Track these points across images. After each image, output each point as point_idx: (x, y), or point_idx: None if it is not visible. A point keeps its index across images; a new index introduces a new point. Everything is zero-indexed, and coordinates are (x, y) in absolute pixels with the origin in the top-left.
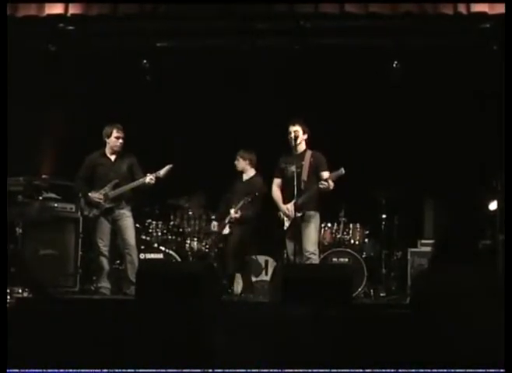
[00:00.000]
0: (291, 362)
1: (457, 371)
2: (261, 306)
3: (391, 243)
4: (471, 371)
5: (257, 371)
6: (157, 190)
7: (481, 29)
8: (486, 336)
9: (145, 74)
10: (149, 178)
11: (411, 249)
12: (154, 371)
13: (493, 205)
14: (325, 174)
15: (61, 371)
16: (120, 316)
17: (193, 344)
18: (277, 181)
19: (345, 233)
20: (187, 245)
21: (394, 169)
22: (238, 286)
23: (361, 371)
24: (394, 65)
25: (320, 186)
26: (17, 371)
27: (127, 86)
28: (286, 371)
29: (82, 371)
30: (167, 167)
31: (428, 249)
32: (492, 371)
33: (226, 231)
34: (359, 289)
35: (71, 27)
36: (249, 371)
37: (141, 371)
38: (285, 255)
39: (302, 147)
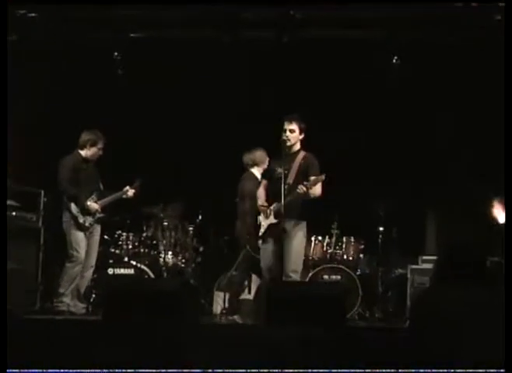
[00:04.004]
0: None
1: (457, 371)
2: (243, 329)
3: (389, 259)
4: (471, 371)
5: (256, 371)
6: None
7: (492, 20)
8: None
9: (116, 68)
10: (132, 191)
11: (411, 266)
12: (154, 371)
13: (503, 218)
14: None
15: (61, 371)
16: (86, 339)
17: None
18: (264, 183)
19: (337, 247)
20: (162, 260)
21: (393, 177)
22: (218, 306)
23: (361, 371)
24: (394, 61)
25: (298, 190)
26: (17, 371)
27: (96, 82)
28: (286, 371)
29: (82, 371)
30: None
31: (430, 266)
32: (492, 371)
33: None
34: (353, 310)
35: (33, 14)
36: (249, 371)
37: (141, 371)
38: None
39: (296, 147)
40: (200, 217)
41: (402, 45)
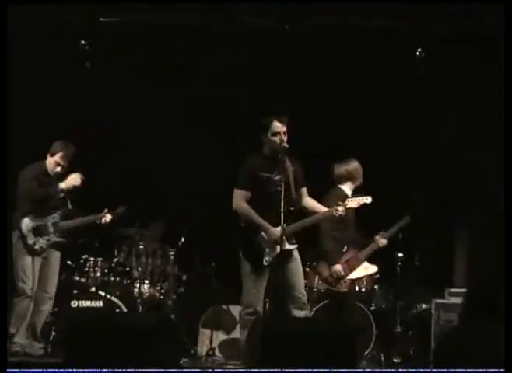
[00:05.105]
0: None
1: (457, 370)
2: None
3: (409, 292)
4: (471, 370)
5: (256, 370)
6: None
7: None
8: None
9: (83, 59)
10: (109, 217)
11: (436, 301)
12: (154, 370)
13: None
14: (304, 190)
15: (61, 370)
16: None
17: None
18: (244, 194)
19: None
20: (136, 290)
21: (414, 189)
22: (203, 346)
23: (361, 370)
24: (418, 53)
25: (339, 211)
26: (17, 370)
27: (59, 77)
28: (286, 370)
29: (82, 371)
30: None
31: (459, 300)
32: (492, 371)
33: None
34: (366, 352)
35: None
36: (249, 370)
37: (141, 370)
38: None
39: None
40: (183, 239)
41: (411, 40)
